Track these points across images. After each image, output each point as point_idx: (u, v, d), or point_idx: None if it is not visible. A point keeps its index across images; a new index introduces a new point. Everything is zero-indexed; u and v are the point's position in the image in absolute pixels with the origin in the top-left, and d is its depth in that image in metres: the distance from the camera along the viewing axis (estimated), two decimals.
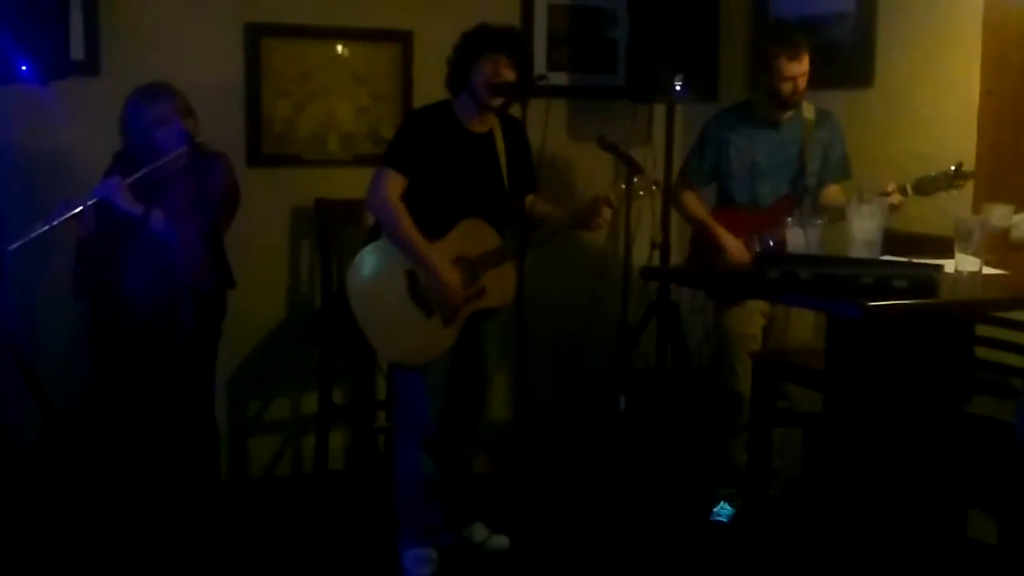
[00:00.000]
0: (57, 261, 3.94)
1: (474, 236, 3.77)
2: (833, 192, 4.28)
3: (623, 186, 3.78)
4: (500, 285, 3.78)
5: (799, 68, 4.14)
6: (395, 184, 3.68)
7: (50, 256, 3.89)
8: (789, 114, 4.27)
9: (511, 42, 3.71)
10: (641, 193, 3.85)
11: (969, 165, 3.88)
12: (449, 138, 3.75)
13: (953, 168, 3.82)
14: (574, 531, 4.26)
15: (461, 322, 3.77)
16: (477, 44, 3.70)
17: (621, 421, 4.04)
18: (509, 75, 3.66)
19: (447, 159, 3.74)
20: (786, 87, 4.16)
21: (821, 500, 3.67)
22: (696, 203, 4.45)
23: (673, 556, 4.07)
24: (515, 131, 3.86)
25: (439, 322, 3.74)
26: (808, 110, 4.27)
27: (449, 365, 3.85)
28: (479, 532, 4.10)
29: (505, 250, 3.77)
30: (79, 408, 4.06)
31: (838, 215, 3.88)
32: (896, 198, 3.87)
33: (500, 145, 3.82)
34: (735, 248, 4.23)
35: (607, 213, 3.75)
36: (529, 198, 3.92)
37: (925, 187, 3.86)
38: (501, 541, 4.07)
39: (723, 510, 4.33)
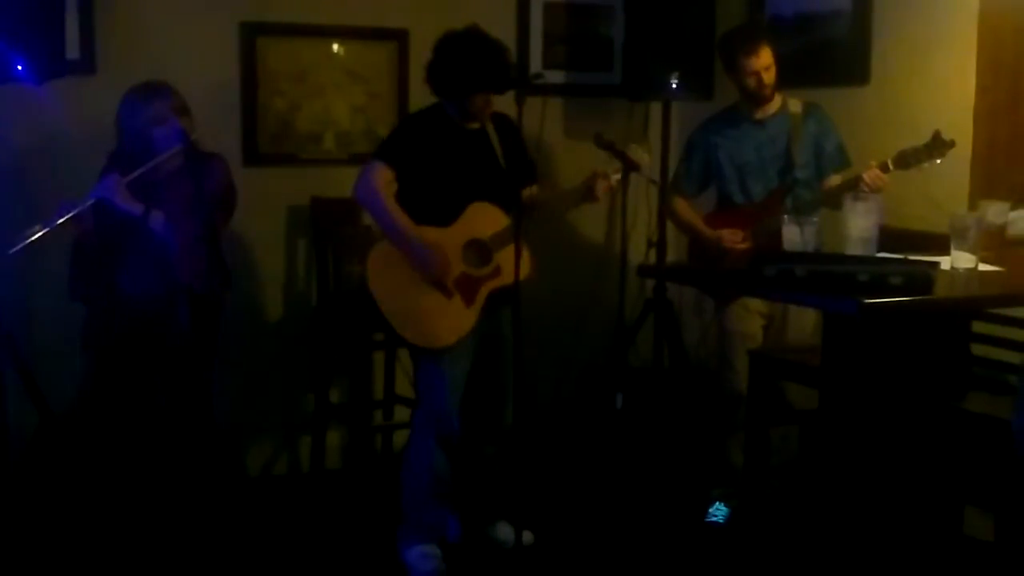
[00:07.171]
0: (53, 261, 3.93)
1: (483, 218, 3.82)
2: (834, 182, 4.27)
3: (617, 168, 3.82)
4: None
5: (759, 62, 4.18)
6: (382, 175, 3.76)
7: (46, 256, 3.88)
8: (774, 110, 4.29)
9: (503, 82, 3.76)
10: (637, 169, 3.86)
11: (948, 134, 3.79)
12: (445, 135, 3.82)
13: (931, 137, 3.78)
14: (569, 528, 4.25)
15: (481, 301, 3.82)
16: (472, 83, 3.75)
17: (618, 419, 4.04)
18: (496, 102, 3.81)
19: (446, 153, 3.81)
20: (751, 82, 4.21)
21: (817, 497, 3.67)
22: (686, 208, 4.48)
23: (669, 555, 4.07)
24: (505, 126, 3.91)
25: (460, 303, 3.79)
26: (795, 105, 4.29)
27: (471, 358, 3.88)
28: (503, 530, 4.08)
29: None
30: (75, 408, 4.06)
31: (836, 201, 3.87)
32: (872, 174, 3.85)
33: (494, 138, 3.90)
34: (727, 234, 4.23)
35: (604, 184, 3.82)
36: (530, 189, 3.96)
37: (906, 160, 3.82)
38: (526, 538, 3.95)
39: (719, 510, 4.33)
